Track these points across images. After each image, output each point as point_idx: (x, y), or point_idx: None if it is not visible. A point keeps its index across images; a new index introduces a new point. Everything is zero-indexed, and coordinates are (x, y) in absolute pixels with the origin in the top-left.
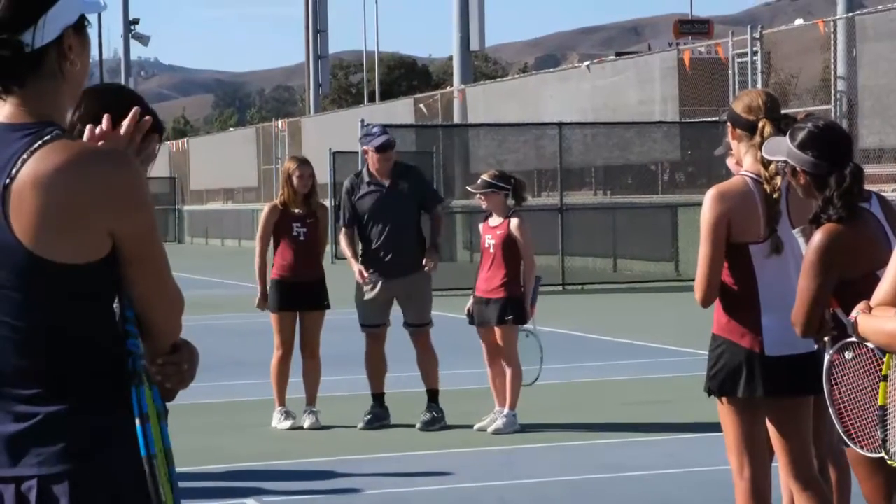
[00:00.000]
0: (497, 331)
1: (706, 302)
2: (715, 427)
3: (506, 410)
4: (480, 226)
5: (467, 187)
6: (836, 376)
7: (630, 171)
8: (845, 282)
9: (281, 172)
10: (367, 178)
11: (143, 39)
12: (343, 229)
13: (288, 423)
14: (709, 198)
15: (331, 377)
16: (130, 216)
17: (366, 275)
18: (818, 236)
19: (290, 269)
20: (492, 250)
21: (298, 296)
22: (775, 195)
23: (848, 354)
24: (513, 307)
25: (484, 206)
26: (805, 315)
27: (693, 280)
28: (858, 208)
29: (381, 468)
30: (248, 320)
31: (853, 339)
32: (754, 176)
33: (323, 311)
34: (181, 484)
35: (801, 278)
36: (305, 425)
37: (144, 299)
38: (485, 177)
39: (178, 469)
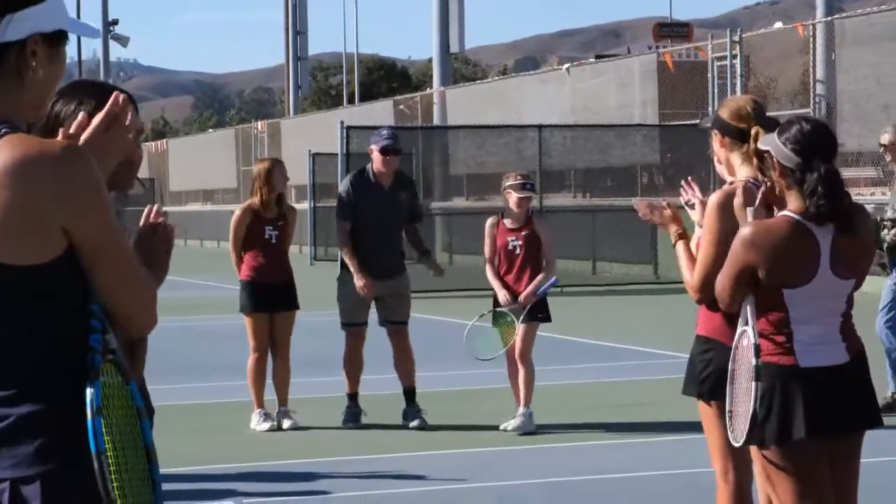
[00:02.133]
0: (522, 328)
1: (704, 302)
2: (693, 429)
3: (521, 409)
4: (491, 227)
5: (516, 195)
6: (737, 356)
7: (609, 173)
8: (759, 282)
9: (257, 174)
10: (371, 178)
11: (123, 40)
12: (342, 223)
13: (267, 425)
14: (716, 203)
15: (308, 379)
16: (84, 212)
17: (368, 287)
18: (746, 228)
19: (263, 272)
20: (517, 251)
21: (271, 297)
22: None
23: (744, 342)
24: (541, 307)
25: (516, 210)
26: (727, 295)
27: (673, 282)
28: (827, 213)
29: (360, 470)
30: (226, 322)
31: (745, 328)
32: (755, 181)
33: (294, 311)
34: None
35: (726, 260)
36: (285, 426)
37: (109, 294)
38: (520, 179)
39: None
